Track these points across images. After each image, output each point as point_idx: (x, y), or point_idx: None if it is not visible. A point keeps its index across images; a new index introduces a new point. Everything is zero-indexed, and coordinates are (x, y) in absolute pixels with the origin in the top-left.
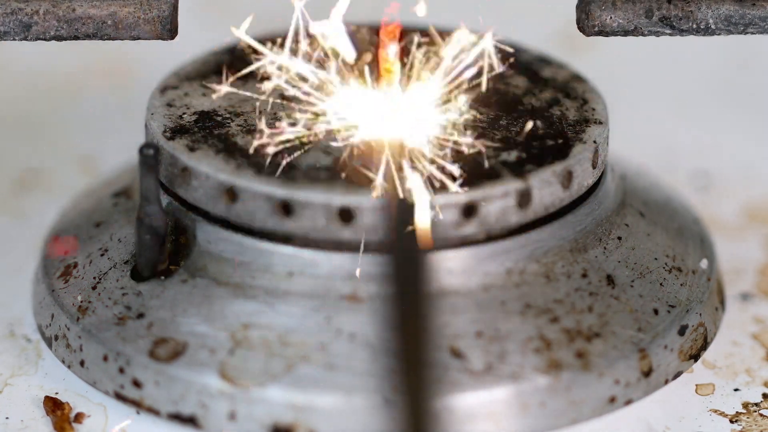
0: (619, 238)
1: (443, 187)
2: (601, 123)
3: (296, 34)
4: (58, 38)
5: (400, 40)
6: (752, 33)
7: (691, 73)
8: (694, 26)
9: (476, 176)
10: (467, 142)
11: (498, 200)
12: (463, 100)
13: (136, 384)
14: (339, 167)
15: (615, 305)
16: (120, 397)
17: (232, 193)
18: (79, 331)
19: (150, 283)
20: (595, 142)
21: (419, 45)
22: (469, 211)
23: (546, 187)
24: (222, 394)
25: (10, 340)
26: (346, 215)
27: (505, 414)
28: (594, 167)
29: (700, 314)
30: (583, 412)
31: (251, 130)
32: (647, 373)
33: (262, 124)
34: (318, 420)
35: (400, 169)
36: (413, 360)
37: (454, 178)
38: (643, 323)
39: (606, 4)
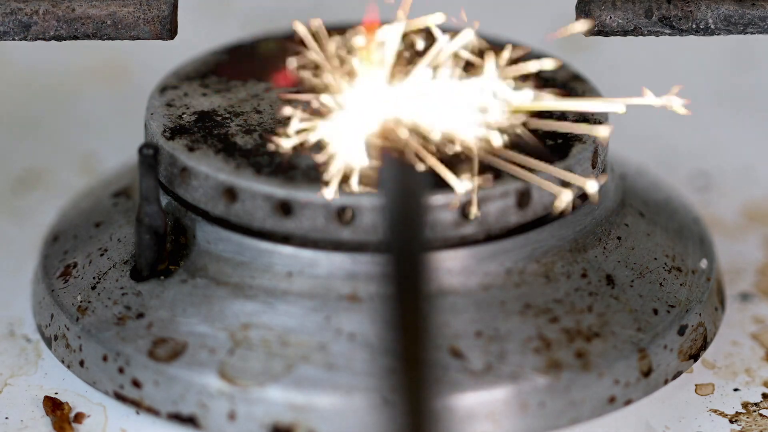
0: (619, 238)
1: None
2: (601, 123)
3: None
4: (58, 38)
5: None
6: (752, 33)
7: (691, 73)
8: (694, 26)
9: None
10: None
11: (498, 200)
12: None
13: (136, 384)
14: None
15: (615, 305)
16: (120, 397)
17: (231, 193)
18: (79, 331)
19: (150, 283)
20: (594, 142)
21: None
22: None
23: (545, 187)
24: (222, 394)
25: (10, 340)
26: (345, 215)
27: (505, 414)
28: (594, 167)
29: (700, 314)
30: (583, 412)
31: (250, 130)
32: (647, 373)
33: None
34: (318, 420)
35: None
36: (413, 360)
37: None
38: (643, 323)
39: (606, 4)
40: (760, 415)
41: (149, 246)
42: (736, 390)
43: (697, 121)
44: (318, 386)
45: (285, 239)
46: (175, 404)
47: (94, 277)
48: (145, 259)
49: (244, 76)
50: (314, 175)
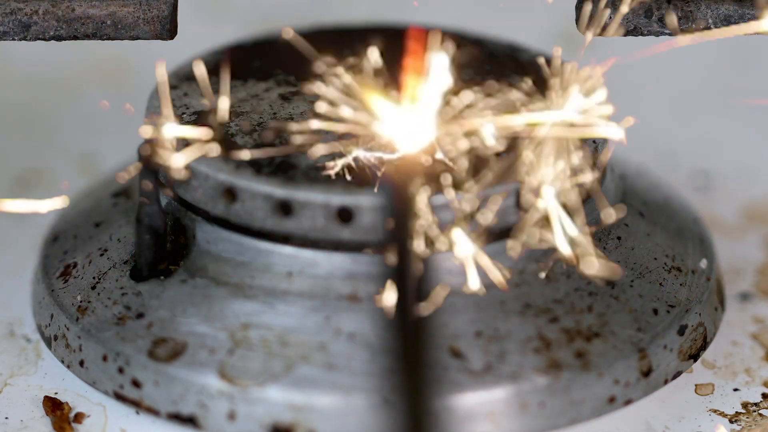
0: (619, 238)
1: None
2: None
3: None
4: (58, 38)
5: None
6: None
7: (691, 73)
8: (694, 26)
9: (475, 176)
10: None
11: (498, 200)
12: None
13: (136, 384)
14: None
15: (614, 305)
16: (119, 397)
17: (231, 193)
18: (79, 331)
19: (149, 283)
20: (594, 141)
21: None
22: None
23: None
24: (221, 394)
25: (10, 340)
26: (345, 215)
27: (505, 414)
28: (594, 167)
29: (700, 314)
30: (583, 412)
31: (251, 130)
32: (647, 373)
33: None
34: (318, 420)
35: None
36: (413, 360)
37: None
38: (643, 323)
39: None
40: (760, 415)
41: (149, 246)
42: (736, 390)
43: (697, 121)
44: (317, 386)
45: (285, 239)
46: (174, 404)
47: (94, 277)
48: (145, 259)
49: (244, 76)
50: (314, 175)
